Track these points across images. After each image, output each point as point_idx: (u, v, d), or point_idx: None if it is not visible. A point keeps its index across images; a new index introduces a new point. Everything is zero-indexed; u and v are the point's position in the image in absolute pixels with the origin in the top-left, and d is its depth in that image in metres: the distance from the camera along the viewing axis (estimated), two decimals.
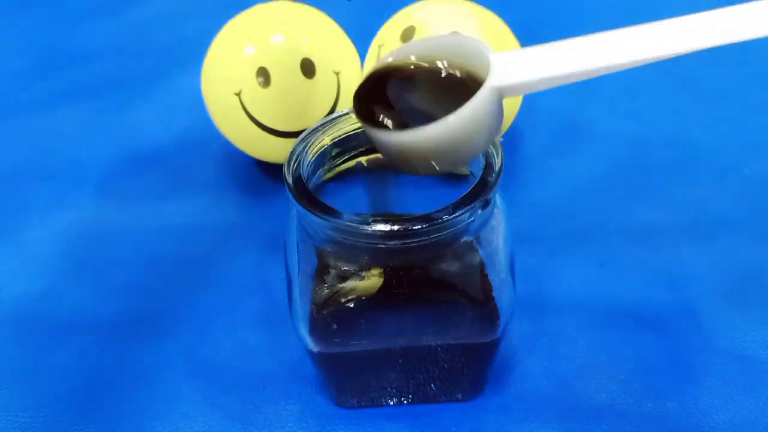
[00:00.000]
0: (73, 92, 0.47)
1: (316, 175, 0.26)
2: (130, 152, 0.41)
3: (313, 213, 0.22)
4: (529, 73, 0.21)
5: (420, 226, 0.22)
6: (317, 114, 0.35)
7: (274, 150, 0.36)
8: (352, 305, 0.23)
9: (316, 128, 0.26)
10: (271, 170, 0.38)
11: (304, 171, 0.24)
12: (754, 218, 0.34)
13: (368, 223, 0.21)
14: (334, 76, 0.35)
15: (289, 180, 0.23)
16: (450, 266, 0.24)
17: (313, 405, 0.27)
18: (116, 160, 0.41)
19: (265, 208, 0.36)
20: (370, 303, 0.23)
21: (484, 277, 0.24)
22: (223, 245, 0.35)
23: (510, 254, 0.25)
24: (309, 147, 0.25)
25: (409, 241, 0.22)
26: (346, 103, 0.35)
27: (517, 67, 0.21)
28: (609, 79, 0.46)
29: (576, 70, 0.21)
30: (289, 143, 0.34)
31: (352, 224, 0.22)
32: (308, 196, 0.23)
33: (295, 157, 0.24)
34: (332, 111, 0.35)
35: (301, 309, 0.24)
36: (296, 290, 0.24)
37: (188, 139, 0.42)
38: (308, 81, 0.34)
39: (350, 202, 0.27)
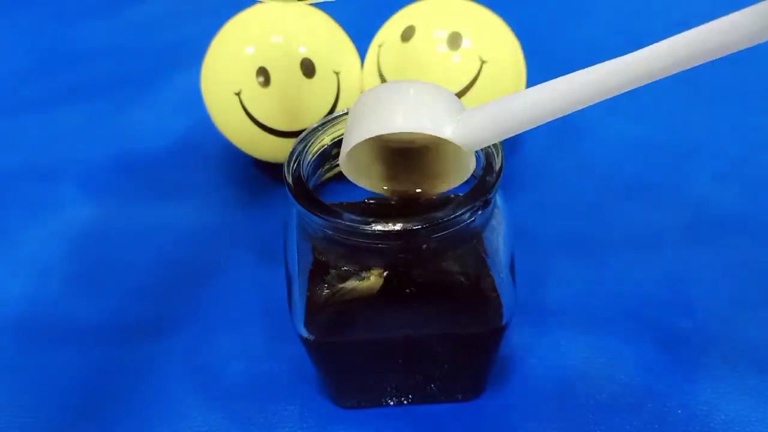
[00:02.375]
0: (73, 92, 0.47)
1: (316, 175, 0.25)
2: (129, 152, 0.41)
3: (313, 213, 0.22)
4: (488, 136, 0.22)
5: (420, 226, 0.22)
6: (317, 114, 0.35)
7: (274, 150, 0.36)
8: (352, 306, 0.23)
9: (316, 128, 0.26)
10: (271, 170, 0.38)
11: (304, 171, 0.24)
12: (754, 218, 0.34)
13: (368, 224, 0.21)
14: (334, 76, 0.35)
15: (289, 180, 0.23)
16: (450, 266, 0.24)
17: (313, 405, 0.27)
18: (116, 160, 0.40)
19: (265, 208, 0.36)
20: (370, 303, 0.23)
21: (486, 276, 0.24)
22: (222, 245, 0.34)
23: (510, 254, 0.25)
24: (309, 147, 0.25)
25: (409, 241, 0.22)
26: (346, 103, 0.35)
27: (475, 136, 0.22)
28: None
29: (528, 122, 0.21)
30: (289, 143, 0.34)
31: (352, 224, 0.22)
32: (308, 196, 0.23)
33: (295, 157, 0.24)
34: (332, 111, 0.35)
35: (301, 309, 0.24)
36: (296, 290, 0.24)
37: (188, 138, 0.42)
38: (308, 81, 0.34)
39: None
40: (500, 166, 0.23)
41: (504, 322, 0.25)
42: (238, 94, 0.34)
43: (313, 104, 0.35)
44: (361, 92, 0.36)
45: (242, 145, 0.36)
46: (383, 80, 0.35)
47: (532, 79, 0.37)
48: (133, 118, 0.44)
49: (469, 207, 0.22)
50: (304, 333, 0.25)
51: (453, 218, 0.22)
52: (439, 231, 0.22)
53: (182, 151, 0.41)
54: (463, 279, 0.24)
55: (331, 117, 0.26)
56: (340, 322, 0.24)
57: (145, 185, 0.39)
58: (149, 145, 0.41)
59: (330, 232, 0.22)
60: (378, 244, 0.22)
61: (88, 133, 0.43)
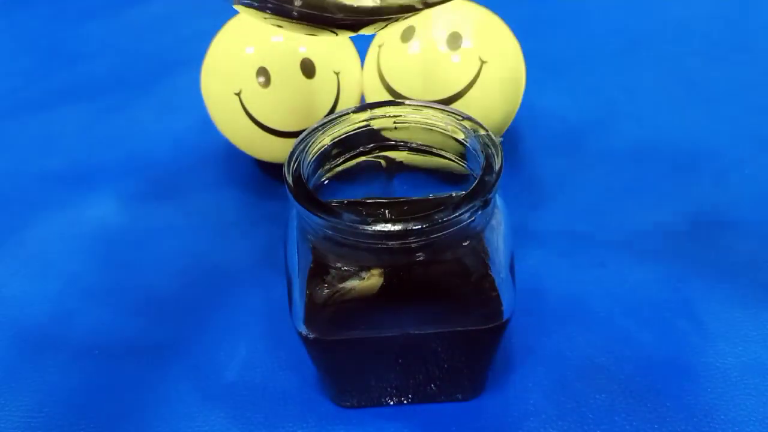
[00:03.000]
0: (73, 92, 0.47)
1: (316, 175, 0.26)
2: (129, 152, 0.41)
3: (313, 213, 0.22)
4: None
5: (420, 227, 0.22)
6: (317, 114, 0.35)
7: (274, 150, 0.36)
8: (352, 305, 0.23)
9: (316, 128, 0.26)
10: (271, 170, 0.38)
11: (304, 171, 0.24)
12: (754, 218, 0.34)
13: (368, 224, 0.21)
14: (334, 76, 0.35)
15: (289, 180, 0.23)
16: (450, 266, 0.23)
17: (313, 405, 0.27)
18: (116, 161, 0.41)
19: (265, 208, 0.36)
20: (370, 303, 0.23)
21: (485, 275, 0.24)
22: (222, 245, 0.35)
23: (510, 254, 0.25)
24: (309, 147, 0.25)
25: (409, 241, 0.22)
26: (346, 103, 0.35)
27: None
28: (609, 80, 0.46)
29: None
30: (289, 143, 0.34)
31: (352, 225, 0.22)
32: (308, 196, 0.23)
33: (295, 157, 0.24)
34: (332, 111, 0.35)
35: (301, 309, 0.24)
36: (296, 290, 0.24)
37: (188, 138, 0.42)
38: (308, 81, 0.34)
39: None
40: (500, 166, 0.23)
41: (503, 321, 0.25)
42: (238, 94, 0.34)
43: (313, 104, 0.35)
44: (361, 93, 0.37)
45: (242, 145, 0.36)
46: (383, 80, 0.35)
47: (532, 80, 0.38)
48: (133, 119, 0.44)
49: (468, 207, 0.22)
50: (304, 331, 0.25)
51: (453, 218, 0.22)
52: (439, 231, 0.22)
53: (182, 151, 0.41)
54: (462, 279, 0.24)
55: (331, 117, 0.26)
56: (340, 321, 0.24)
57: (145, 185, 0.39)
58: (149, 145, 0.42)
59: (330, 232, 0.22)
60: (378, 244, 0.22)
61: (88, 134, 0.43)
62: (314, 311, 0.24)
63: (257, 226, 0.35)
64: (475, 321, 0.24)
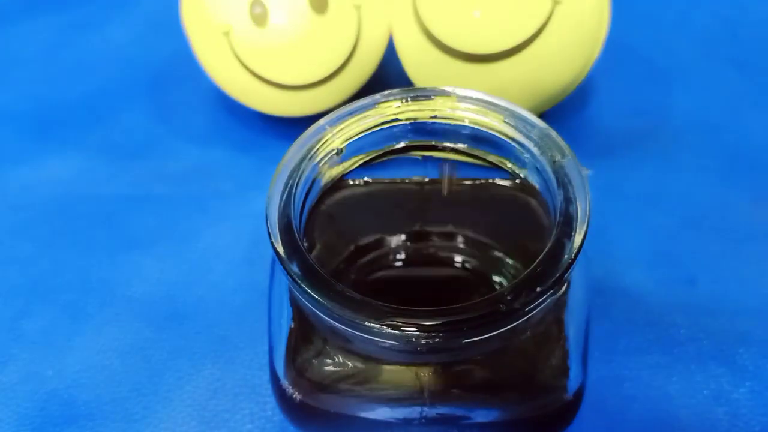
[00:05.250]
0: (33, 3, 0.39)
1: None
2: (101, 84, 0.33)
3: (319, 305, 0.15)
4: None
5: (462, 319, 0.15)
6: (329, 63, 0.26)
7: (277, 103, 0.28)
8: (365, 414, 0.17)
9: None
10: (275, 122, 0.31)
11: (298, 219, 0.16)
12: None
13: (391, 321, 0.15)
14: (354, 12, 0.26)
15: (279, 247, 0.16)
16: (501, 363, 0.17)
17: None
18: (84, 95, 0.33)
19: (266, 162, 0.29)
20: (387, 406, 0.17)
21: (547, 374, 0.17)
22: (211, 210, 0.27)
23: (584, 328, 0.18)
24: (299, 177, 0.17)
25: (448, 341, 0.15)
26: (368, 49, 0.27)
27: None
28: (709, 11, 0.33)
29: None
30: (296, 97, 0.27)
31: (368, 325, 0.15)
32: (308, 268, 0.15)
33: (283, 199, 0.17)
34: (350, 58, 0.27)
35: (289, 392, 0.18)
36: (280, 367, 0.18)
37: (174, 68, 0.34)
38: (318, 17, 0.26)
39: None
40: (586, 226, 0.16)
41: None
42: (226, 34, 0.26)
43: (324, 49, 0.26)
44: (388, 36, 0.28)
45: (236, 95, 0.28)
46: (419, 21, 0.26)
47: (618, 26, 0.28)
48: (106, 38, 0.36)
49: (529, 298, 0.15)
50: (289, 391, 0.18)
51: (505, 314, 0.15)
52: (486, 329, 0.15)
53: (166, 84, 0.33)
54: (518, 383, 0.17)
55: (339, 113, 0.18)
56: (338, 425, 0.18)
57: (120, 133, 0.31)
58: (125, 75, 0.34)
59: (338, 326, 0.15)
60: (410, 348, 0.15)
61: (50, 58, 0.35)
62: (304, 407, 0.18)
63: (255, 199, 0.28)
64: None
